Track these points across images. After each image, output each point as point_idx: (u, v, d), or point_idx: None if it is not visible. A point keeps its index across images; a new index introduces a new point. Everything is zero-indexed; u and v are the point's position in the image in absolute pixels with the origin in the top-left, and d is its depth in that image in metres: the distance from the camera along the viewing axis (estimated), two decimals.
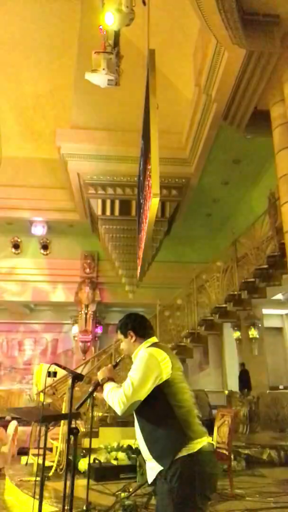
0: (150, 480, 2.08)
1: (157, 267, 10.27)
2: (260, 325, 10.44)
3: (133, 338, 2.29)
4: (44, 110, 9.99)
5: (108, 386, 2.16)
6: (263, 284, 7.61)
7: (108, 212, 9.87)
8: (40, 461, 3.67)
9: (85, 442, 5.44)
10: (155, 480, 2.04)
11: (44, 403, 3.73)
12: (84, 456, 5.49)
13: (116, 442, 6.39)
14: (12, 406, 11.51)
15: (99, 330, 12.89)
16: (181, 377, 2.14)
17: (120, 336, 2.38)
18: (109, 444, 6.41)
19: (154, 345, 2.22)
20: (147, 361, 2.08)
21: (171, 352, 2.22)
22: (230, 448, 4.98)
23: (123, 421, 6.59)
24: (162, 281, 11.07)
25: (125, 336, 2.32)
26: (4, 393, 12.55)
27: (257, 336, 10.24)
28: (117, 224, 9.98)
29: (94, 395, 2.40)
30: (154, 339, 2.30)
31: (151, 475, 2.07)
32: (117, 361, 2.47)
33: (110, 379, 2.22)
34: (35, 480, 4.01)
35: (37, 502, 2.90)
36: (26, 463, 6.96)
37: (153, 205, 5.23)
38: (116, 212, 9.89)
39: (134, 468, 5.39)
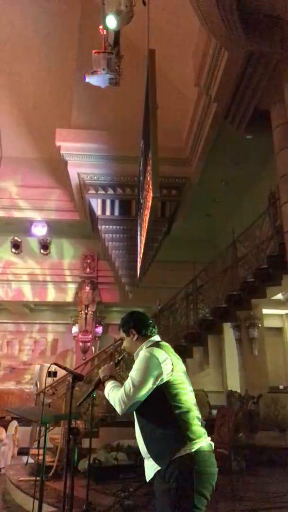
0: (148, 478, 2.09)
1: (157, 267, 10.26)
2: (260, 325, 10.41)
3: (135, 337, 2.28)
4: (44, 110, 9.98)
5: (110, 385, 2.17)
6: (263, 284, 7.61)
7: (108, 212, 9.86)
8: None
9: (85, 442, 5.44)
10: (153, 478, 2.05)
11: (44, 403, 3.72)
12: (83, 456, 5.50)
13: (116, 442, 6.39)
14: (12, 406, 11.51)
15: (99, 330, 12.88)
16: (182, 377, 2.14)
17: (122, 334, 2.37)
18: (109, 444, 6.42)
19: (156, 344, 2.21)
20: (148, 361, 2.07)
21: (173, 352, 2.21)
22: (230, 448, 4.99)
23: (123, 421, 6.58)
24: (162, 281, 11.04)
25: (127, 334, 2.31)
26: (4, 393, 12.56)
27: (257, 336, 10.22)
28: (117, 224, 9.97)
29: (94, 395, 2.40)
30: (156, 338, 2.29)
31: (149, 474, 2.08)
32: (119, 359, 2.48)
33: (112, 377, 2.22)
34: (35, 480, 4.01)
35: (37, 502, 2.90)
36: (26, 463, 6.97)
37: (153, 205, 5.24)
38: (116, 212, 9.88)
39: (134, 468, 5.40)
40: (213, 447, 2.08)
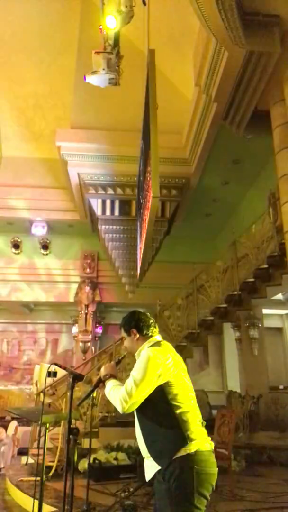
0: (147, 478, 2.10)
1: (157, 267, 10.26)
2: (260, 325, 10.41)
3: (136, 336, 2.28)
4: (44, 110, 9.98)
5: (110, 384, 2.17)
6: (263, 284, 7.61)
7: (108, 212, 9.85)
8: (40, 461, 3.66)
9: (85, 442, 5.44)
10: (153, 478, 2.06)
11: (44, 403, 3.72)
12: (83, 456, 5.50)
13: (116, 442, 6.39)
14: (12, 406, 11.51)
15: (99, 330, 12.87)
16: (183, 377, 2.14)
17: (123, 333, 2.37)
18: (109, 444, 6.41)
19: (157, 344, 2.21)
20: (149, 361, 2.07)
21: (174, 352, 2.21)
22: (230, 448, 4.99)
23: (123, 421, 6.58)
24: (162, 281, 11.04)
25: (128, 334, 2.31)
26: (4, 393, 12.56)
27: (257, 336, 10.22)
28: (117, 224, 9.97)
29: (93, 394, 2.40)
30: (157, 338, 2.29)
31: (148, 473, 2.08)
32: (120, 358, 2.48)
33: (112, 376, 2.22)
34: (35, 480, 4.01)
35: (37, 502, 2.90)
36: (26, 463, 6.97)
37: (153, 205, 5.25)
38: (116, 212, 9.87)
39: (134, 468, 5.40)
40: (213, 447, 2.09)
